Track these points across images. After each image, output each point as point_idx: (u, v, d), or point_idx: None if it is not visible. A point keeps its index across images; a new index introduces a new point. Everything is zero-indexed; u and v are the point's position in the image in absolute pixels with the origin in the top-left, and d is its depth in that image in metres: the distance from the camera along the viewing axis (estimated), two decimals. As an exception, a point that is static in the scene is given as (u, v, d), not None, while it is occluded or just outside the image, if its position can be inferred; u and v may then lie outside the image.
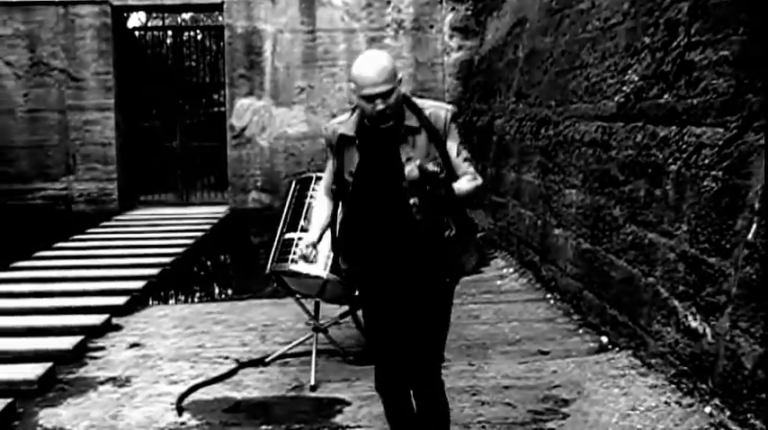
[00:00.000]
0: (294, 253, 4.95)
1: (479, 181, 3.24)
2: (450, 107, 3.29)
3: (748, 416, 3.64)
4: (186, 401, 4.65)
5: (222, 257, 11.23)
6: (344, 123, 3.33)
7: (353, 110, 3.34)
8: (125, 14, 12.71)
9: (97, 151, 11.80)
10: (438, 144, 3.19)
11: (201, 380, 5.00)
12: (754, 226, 3.65)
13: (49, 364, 5.07)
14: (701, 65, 4.28)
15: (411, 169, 2.95)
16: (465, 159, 3.22)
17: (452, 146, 3.21)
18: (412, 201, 3.03)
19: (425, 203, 3.03)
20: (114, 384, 4.98)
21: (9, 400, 4.44)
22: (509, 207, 8.43)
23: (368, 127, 3.17)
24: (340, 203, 3.44)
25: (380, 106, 3.07)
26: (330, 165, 3.46)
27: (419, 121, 3.19)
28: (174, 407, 4.55)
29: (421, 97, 3.47)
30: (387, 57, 3.17)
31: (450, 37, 11.41)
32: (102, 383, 5.00)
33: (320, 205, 3.61)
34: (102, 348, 5.72)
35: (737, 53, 3.96)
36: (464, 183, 3.18)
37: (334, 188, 3.44)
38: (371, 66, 3.08)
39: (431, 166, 2.95)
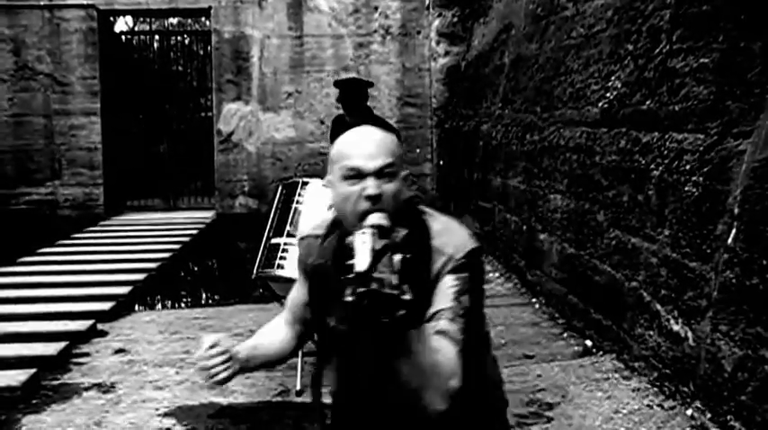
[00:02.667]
0: (280, 263, 4.96)
1: (451, 361, 1.84)
2: (460, 250, 1.97)
3: (728, 418, 3.68)
4: (171, 407, 4.66)
5: (209, 262, 11.21)
6: (318, 245, 2.14)
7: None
8: (111, 19, 12.68)
9: (83, 156, 11.76)
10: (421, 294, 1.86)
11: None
12: (734, 231, 3.69)
13: (33, 370, 5.06)
14: (683, 72, 4.32)
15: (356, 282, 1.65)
16: (439, 332, 1.86)
17: (435, 306, 1.91)
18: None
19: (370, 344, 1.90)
20: (99, 390, 4.97)
21: (-8, 407, 4.43)
22: (495, 212, 8.46)
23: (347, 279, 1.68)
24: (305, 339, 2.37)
25: (371, 190, 1.92)
26: (296, 292, 2.29)
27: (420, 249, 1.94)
28: (158, 414, 4.56)
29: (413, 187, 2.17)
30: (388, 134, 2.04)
31: (437, 43, 11.43)
32: (86, 389, 4.99)
33: (270, 328, 2.37)
34: (86, 354, 5.71)
35: (718, 60, 4.00)
36: (433, 346, 1.83)
37: (296, 324, 2.33)
38: (366, 135, 2.01)
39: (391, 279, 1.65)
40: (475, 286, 1.97)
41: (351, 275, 1.66)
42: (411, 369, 1.78)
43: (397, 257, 1.71)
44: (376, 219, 1.84)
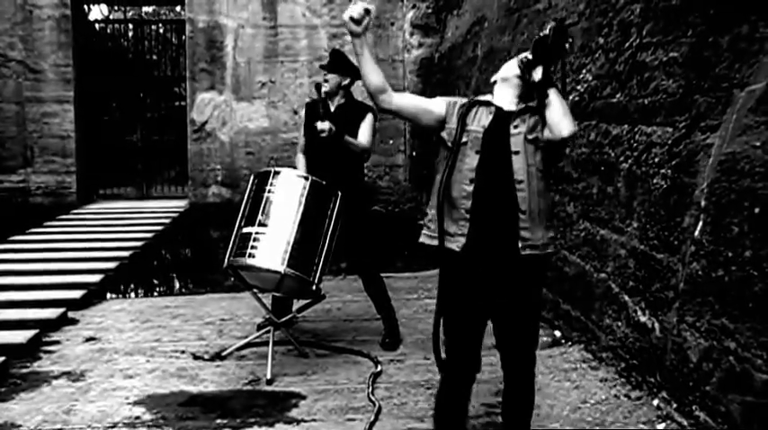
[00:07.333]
0: (251, 253, 4.94)
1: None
2: None
3: (693, 408, 3.74)
4: (141, 395, 4.66)
5: (181, 251, 11.16)
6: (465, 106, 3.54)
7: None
8: (86, 7, 12.54)
9: (56, 144, 11.64)
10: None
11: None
12: (701, 223, 3.74)
13: (2, 359, 5.02)
14: (652, 65, 4.37)
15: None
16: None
17: None
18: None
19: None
20: (68, 378, 4.95)
21: (-40, 394, 4.40)
22: (468, 203, 8.48)
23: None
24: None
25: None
26: (429, 102, 3.57)
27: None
28: (128, 402, 4.56)
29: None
30: None
31: (411, 34, 11.44)
32: (56, 377, 4.96)
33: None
34: (57, 342, 5.68)
35: (687, 55, 4.05)
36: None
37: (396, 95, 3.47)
38: None
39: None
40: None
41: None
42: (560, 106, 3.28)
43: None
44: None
